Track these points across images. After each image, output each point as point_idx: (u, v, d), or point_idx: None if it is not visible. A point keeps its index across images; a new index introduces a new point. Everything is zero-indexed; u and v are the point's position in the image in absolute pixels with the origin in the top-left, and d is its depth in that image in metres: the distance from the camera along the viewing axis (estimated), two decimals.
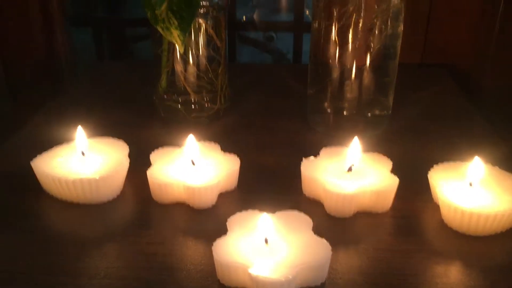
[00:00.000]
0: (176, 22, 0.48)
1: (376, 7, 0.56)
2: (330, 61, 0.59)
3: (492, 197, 0.45)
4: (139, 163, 0.51)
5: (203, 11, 0.57)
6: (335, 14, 0.57)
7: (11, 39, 0.80)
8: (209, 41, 0.60)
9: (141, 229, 0.45)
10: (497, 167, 0.49)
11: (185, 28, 0.48)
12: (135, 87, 0.74)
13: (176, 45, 0.51)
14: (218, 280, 0.39)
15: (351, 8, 0.56)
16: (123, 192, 0.50)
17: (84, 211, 0.47)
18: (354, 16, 0.56)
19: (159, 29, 0.49)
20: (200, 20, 0.57)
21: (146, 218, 0.47)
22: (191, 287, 0.39)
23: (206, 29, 0.58)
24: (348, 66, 0.59)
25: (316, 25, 0.59)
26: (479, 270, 0.40)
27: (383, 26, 0.56)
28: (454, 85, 0.76)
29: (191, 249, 0.43)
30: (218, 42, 0.60)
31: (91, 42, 0.94)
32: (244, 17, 1.00)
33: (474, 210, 0.43)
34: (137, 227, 0.46)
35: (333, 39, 0.58)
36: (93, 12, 1.01)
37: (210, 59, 0.61)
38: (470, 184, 0.46)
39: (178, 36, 0.49)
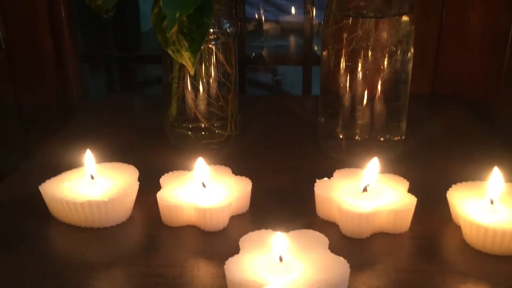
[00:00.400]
0: (186, 44, 0.48)
1: (385, 32, 0.56)
2: (341, 89, 0.59)
3: None
4: (149, 188, 0.50)
5: (213, 37, 0.57)
6: (344, 40, 0.57)
7: (26, 73, 0.81)
8: (219, 68, 0.60)
9: (150, 252, 0.44)
10: None
11: (195, 50, 0.48)
12: (145, 117, 0.74)
13: (187, 68, 0.50)
14: None
15: (360, 33, 0.57)
16: (132, 216, 0.49)
17: (92, 235, 0.46)
18: (363, 42, 0.56)
19: (170, 52, 0.50)
20: (210, 46, 0.57)
21: (155, 241, 0.45)
22: None
23: (216, 55, 0.59)
24: (359, 93, 0.59)
25: (325, 53, 0.59)
26: None
27: (393, 48, 0.56)
28: (466, 113, 0.75)
29: (202, 271, 0.41)
30: (228, 69, 0.60)
31: (102, 79, 0.95)
32: (253, 53, 1.01)
33: (498, 227, 0.41)
34: (146, 250, 0.44)
35: (343, 66, 0.58)
36: (105, 50, 1.02)
37: (220, 85, 0.61)
38: (492, 202, 0.44)
39: (189, 58, 0.49)
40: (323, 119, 0.63)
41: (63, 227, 0.47)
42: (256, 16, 1.33)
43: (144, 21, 1.14)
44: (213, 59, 0.59)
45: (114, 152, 0.58)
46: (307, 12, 0.91)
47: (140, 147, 0.64)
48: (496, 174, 0.45)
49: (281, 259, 0.37)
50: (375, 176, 0.48)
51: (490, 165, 0.46)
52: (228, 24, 0.58)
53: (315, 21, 0.99)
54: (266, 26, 1.24)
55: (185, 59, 0.49)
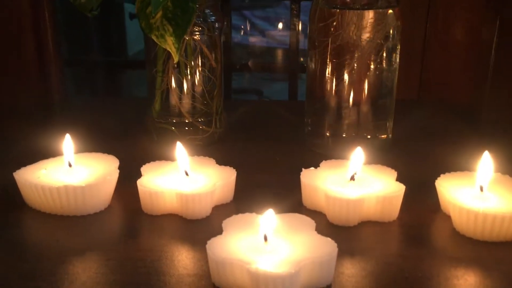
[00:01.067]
0: (171, 29, 0.47)
1: (372, 25, 0.56)
2: (327, 86, 0.59)
3: (504, 201, 0.43)
4: (129, 179, 0.48)
5: (198, 30, 0.57)
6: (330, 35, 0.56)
7: (9, 77, 0.79)
8: (204, 63, 0.59)
9: (128, 238, 0.42)
10: (507, 175, 0.46)
11: (180, 35, 0.47)
12: (128, 116, 0.72)
13: (171, 54, 0.49)
14: (213, 284, 0.35)
15: (347, 28, 0.56)
16: (111, 205, 0.47)
17: (68, 223, 0.44)
18: (350, 36, 0.56)
19: (154, 38, 0.49)
20: (195, 37, 0.56)
21: (134, 228, 0.44)
22: None
23: (201, 49, 0.58)
24: (346, 91, 0.58)
25: (312, 51, 0.59)
26: (499, 273, 0.37)
27: (380, 42, 0.56)
28: (452, 117, 0.75)
29: (183, 255, 0.39)
30: (213, 63, 0.59)
31: (85, 83, 0.94)
32: (238, 65, 1.00)
33: (489, 212, 0.40)
34: (124, 237, 0.42)
35: (329, 63, 0.58)
36: (88, 54, 1.01)
37: (205, 81, 0.60)
38: (481, 189, 0.43)
39: (173, 43, 0.48)
40: (309, 118, 0.62)
41: (38, 215, 0.45)
42: (242, 31, 1.35)
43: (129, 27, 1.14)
44: (198, 52, 0.58)
45: (95, 147, 0.56)
46: (293, 24, 0.91)
47: (122, 143, 0.62)
48: (486, 158, 0.44)
49: (266, 238, 0.36)
50: (361, 165, 0.46)
51: (476, 159, 0.45)
52: (213, 18, 0.58)
53: (301, 36, 0.99)
54: (252, 39, 1.25)
55: (169, 44, 0.48)
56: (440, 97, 0.83)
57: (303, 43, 1.03)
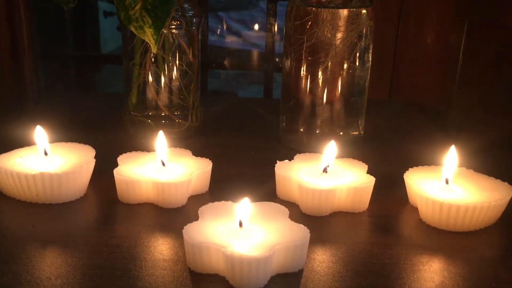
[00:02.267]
0: (150, 21, 0.48)
1: (346, 24, 0.57)
2: (302, 84, 0.60)
3: (469, 193, 0.45)
4: (105, 169, 0.48)
5: (176, 24, 0.57)
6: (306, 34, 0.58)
7: None
8: (182, 57, 0.60)
9: (104, 225, 0.42)
10: (471, 170, 0.48)
11: (159, 27, 0.48)
12: (103, 110, 0.72)
13: (149, 45, 0.50)
14: (189, 268, 0.36)
15: (321, 26, 0.58)
16: (86, 194, 0.47)
17: (44, 210, 0.44)
18: (324, 35, 0.57)
19: (132, 29, 0.49)
20: (173, 31, 0.57)
21: (111, 216, 0.44)
22: (158, 275, 0.35)
23: (179, 43, 0.59)
24: (320, 89, 0.60)
25: (287, 49, 0.60)
26: (462, 260, 0.39)
27: (354, 41, 0.57)
28: (421, 117, 0.78)
29: (158, 241, 0.40)
30: (190, 57, 0.60)
31: (59, 77, 0.93)
32: (214, 64, 1.01)
33: (453, 202, 0.42)
34: (101, 224, 0.43)
35: (304, 61, 0.59)
36: (62, 48, 1.00)
37: (182, 75, 0.60)
38: (446, 181, 0.45)
39: (152, 35, 0.49)
40: (284, 114, 0.63)
41: (13, 202, 0.45)
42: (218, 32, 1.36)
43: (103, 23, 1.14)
44: (176, 46, 0.59)
45: (70, 138, 0.56)
46: (269, 24, 0.93)
47: (98, 135, 0.62)
48: (452, 153, 0.46)
49: (241, 224, 0.37)
50: (334, 158, 0.48)
51: (442, 155, 0.47)
52: (192, 12, 0.59)
53: (277, 37, 1.01)
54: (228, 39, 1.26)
55: (148, 36, 0.49)
56: (410, 98, 0.86)
57: (279, 45, 1.05)
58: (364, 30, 0.58)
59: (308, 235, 0.36)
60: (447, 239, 0.42)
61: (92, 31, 1.23)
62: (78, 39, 1.11)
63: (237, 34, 1.43)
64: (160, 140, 0.47)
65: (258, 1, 2.10)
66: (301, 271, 0.36)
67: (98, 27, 1.27)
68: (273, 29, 0.94)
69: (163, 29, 0.55)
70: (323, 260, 0.38)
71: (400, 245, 0.41)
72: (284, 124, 0.63)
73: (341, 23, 0.57)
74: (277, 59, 1.03)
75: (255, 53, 1.21)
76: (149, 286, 0.34)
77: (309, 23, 0.57)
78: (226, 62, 1.01)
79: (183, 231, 0.36)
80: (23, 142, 0.51)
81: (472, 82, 0.78)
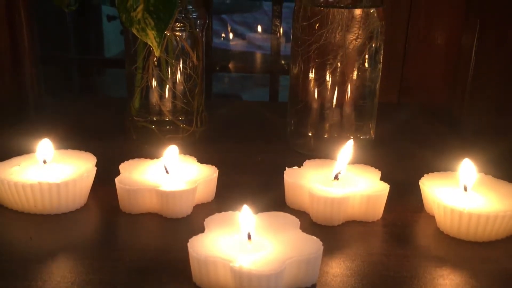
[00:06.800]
0: (152, 23, 0.46)
1: (356, 25, 0.55)
2: (310, 87, 0.58)
3: (488, 201, 0.42)
4: (107, 178, 0.46)
5: (180, 26, 0.55)
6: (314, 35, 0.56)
7: None
8: (186, 61, 0.58)
9: (105, 236, 0.40)
10: (489, 175, 0.46)
11: (162, 29, 0.46)
12: (105, 115, 0.70)
13: (152, 48, 0.48)
14: (194, 284, 0.34)
15: (330, 27, 0.56)
16: (87, 204, 0.45)
17: (42, 221, 0.42)
18: (333, 36, 0.55)
19: (134, 31, 0.47)
20: (177, 34, 0.55)
21: (112, 227, 0.42)
22: None
23: (183, 46, 0.57)
24: (329, 91, 0.58)
25: (295, 50, 0.58)
26: (484, 272, 0.37)
27: (364, 42, 0.55)
28: (433, 119, 0.75)
29: (162, 255, 0.38)
30: (195, 60, 0.58)
31: (61, 81, 0.91)
32: (218, 67, 0.99)
33: (473, 211, 0.40)
34: (102, 235, 0.41)
35: (313, 63, 0.57)
36: (64, 52, 0.99)
37: (186, 78, 0.58)
38: (465, 188, 0.43)
39: (155, 37, 0.47)
40: (292, 118, 0.61)
41: (11, 213, 0.43)
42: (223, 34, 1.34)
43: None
44: (180, 50, 0.57)
45: (71, 146, 0.54)
46: (274, 25, 0.91)
47: (99, 142, 0.60)
48: (466, 163, 0.44)
49: (249, 236, 0.35)
50: (348, 160, 0.46)
51: (457, 161, 0.45)
52: (196, 14, 0.57)
53: (282, 39, 0.99)
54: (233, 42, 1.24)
55: (151, 38, 0.47)
56: (420, 101, 0.84)
57: (284, 46, 1.03)
58: (375, 30, 0.56)
59: (321, 248, 0.34)
60: (467, 250, 0.40)
61: (95, 35, 1.21)
62: (82, 43, 1.09)
63: (241, 36, 1.41)
64: (171, 151, 0.45)
65: (262, 4, 2.09)
66: (314, 286, 0.34)
67: (101, 31, 1.26)
68: (278, 31, 0.92)
69: (166, 32, 0.53)
70: (337, 273, 0.36)
71: (418, 257, 0.38)
72: (292, 128, 0.61)
73: (351, 23, 0.55)
74: (282, 62, 1.01)
75: (259, 55, 1.19)
76: None
77: (317, 24, 0.55)
78: (230, 65, 0.99)
79: (188, 244, 0.34)
80: (22, 150, 0.49)
81: (486, 84, 0.75)
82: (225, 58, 1.08)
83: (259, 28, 1.41)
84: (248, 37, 1.33)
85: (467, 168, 0.44)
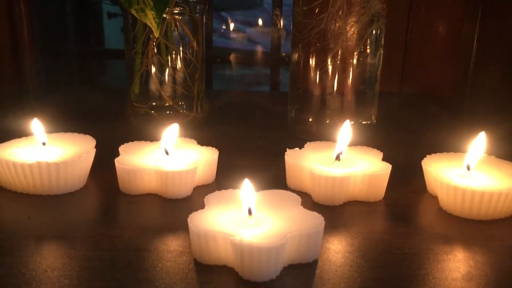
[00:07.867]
0: (151, 3, 0.46)
1: (357, 7, 0.55)
2: (311, 73, 0.58)
3: (492, 180, 0.42)
4: (106, 161, 0.46)
5: (179, 10, 0.55)
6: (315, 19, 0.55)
7: None
8: (185, 45, 0.58)
9: (104, 216, 0.40)
10: (493, 156, 0.46)
11: (161, 9, 0.46)
12: (105, 102, 0.70)
13: (152, 29, 0.48)
14: (195, 260, 0.34)
15: (331, 10, 0.55)
16: (86, 185, 0.45)
17: (42, 201, 0.42)
18: (334, 21, 0.55)
19: (133, 12, 0.47)
20: (176, 17, 0.55)
21: (111, 207, 0.42)
22: (162, 267, 0.33)
23: (182, 30, 0.56)
24: (330, 77, 0.57)
25: (296, 36, 0.58)
26: (488, 249, 0.36)
27: (365, 26, 0.55)
28: (435, 106, 0.75)
29: (162, 233, 0.37)
30: (195, 44, 0.57)
31: (61, 73, 0.91)
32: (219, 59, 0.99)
33: (477, 189, 0.39)
34: (101, 215, 0.40)
35: (313, 48, 0.57)
36: (64, 43, 0.98)
37: (186, 63, 0.58)
38: (468, 168, 0.43)
39: (154, 18, 0.46)
40: (292, 105, 0.61)
41: (10, 194, 0.43)
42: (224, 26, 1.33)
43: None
44: (180, 34, 0.56)
45: (70, 130, 0.54)
46: (275, 14, 0.90)
47: (99, 126, 0.60)
48: (480, 139, 0.43)
49: (250, 212, 0.34)
50: (347, 144, 0.45)
51: (459, 144, 0.44)
52: None
53: (283, 32, 0.98)
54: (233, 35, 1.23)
55: (150, 18, 0.46)
56: (421, 89, 0.83)
57: (284, 42, 1.03)
58: (376, 14, 0.55)
59: (323, 222, 0.34)
60: (470, 228, 0.39)
61: (96, 33, 1.21)
62: (82, 40, 1.09)
63: (241, 34, 1.41)
64: (171, 130, 0.45)
65: (263, 1, 2.08)
66: (315, 262, 0.34)
67: (102, 29, 1.25)
68: (279, 22, 0.91)
69: (165, 15, 0.53)
70: (338, 250, 0.35)
71: (420, 234, 0.38)
72: (293, 115, 0.61)
73: (352, 7, 0.54)
74: (283, 54, 1.00)
75: (259, 51, 1.19)
76: (152, 278, 0.32)
77: (318, 8, 0.55)
78: (231, 57, 0.99)
79: (188, 219, 0.33)
80: (22, 133, 0.48)
81: (487, 73, 0.75)
82: (225, 54, 1.07)
83: (260, 22, 1.41)
84: (249, 33, 1.32)
85: (476, 148, 0.43)
